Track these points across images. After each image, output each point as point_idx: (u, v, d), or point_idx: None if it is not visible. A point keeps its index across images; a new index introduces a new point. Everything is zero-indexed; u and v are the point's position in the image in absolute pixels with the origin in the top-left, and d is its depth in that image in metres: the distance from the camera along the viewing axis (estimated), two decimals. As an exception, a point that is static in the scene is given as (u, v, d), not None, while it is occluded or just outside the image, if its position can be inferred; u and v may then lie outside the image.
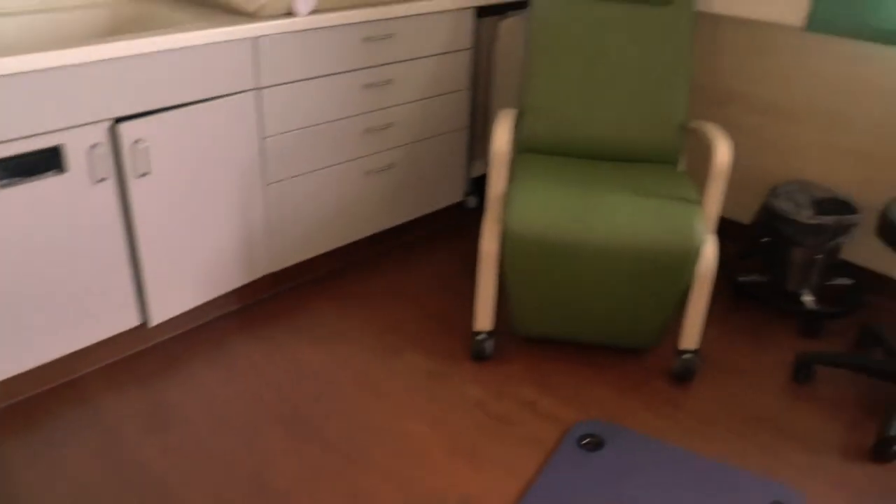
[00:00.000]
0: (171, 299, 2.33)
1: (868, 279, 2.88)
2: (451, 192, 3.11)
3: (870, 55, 2.63)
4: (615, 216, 2.18)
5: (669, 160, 2.56)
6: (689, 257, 2.16)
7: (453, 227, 3.22)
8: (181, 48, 2.09)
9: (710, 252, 2.21)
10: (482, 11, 2.95)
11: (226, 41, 2.19)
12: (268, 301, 2.68)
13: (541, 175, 2.34)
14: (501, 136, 2.24)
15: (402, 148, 2.82)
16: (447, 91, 2.89)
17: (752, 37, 2.89)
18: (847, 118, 2.75)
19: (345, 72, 2.52)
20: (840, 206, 2.69)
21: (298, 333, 2.51)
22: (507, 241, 2.20)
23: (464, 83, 2.94)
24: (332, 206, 2.67)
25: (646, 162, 2.57)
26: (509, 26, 2.98)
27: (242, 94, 2.28)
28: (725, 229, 3.19)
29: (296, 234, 2.61)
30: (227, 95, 2.24)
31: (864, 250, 2.85)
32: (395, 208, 2.91)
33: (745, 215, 3.12)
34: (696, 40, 3.02)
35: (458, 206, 3.24)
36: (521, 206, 2.20)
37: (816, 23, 2.60)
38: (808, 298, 2.72)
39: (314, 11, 2.39)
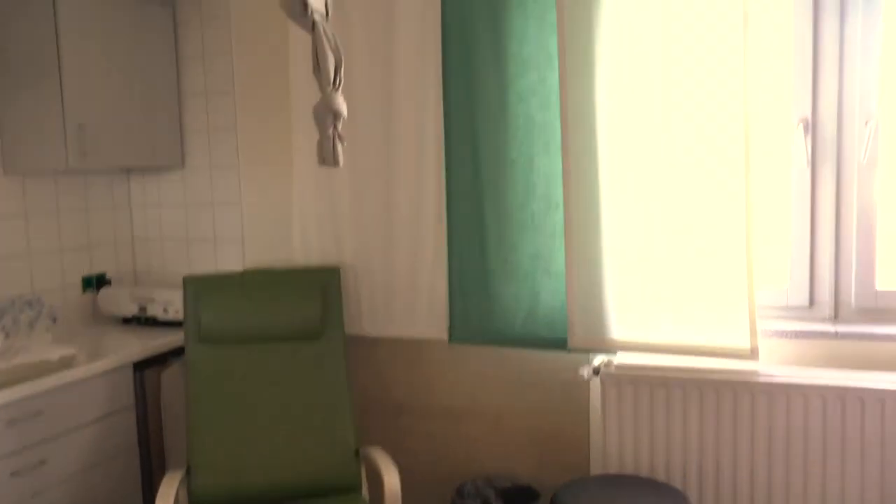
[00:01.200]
0: None
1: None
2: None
3: (515, 356, 2.91)
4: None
5: (350, 488, 2.56)
6: None
7: None
8: None
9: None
10: (141, 364, 2.88)
11: None
12: None
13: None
14: (163, 511, 2.12)
15: (65, 532, 2.56)
16: (110, 457, 2.71)
17: (410, 351, 3.08)
18: (513, 410, 2.95)
19: (-14, 463, 2.30)
20: (524, 492, 2.82)
21: None
22: None
23: (129, 445, 2.79)
24: None
25: (327, 494, 2.54)
26: (172, 375, 2.94)
27: None
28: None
29: None
30: None
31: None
32: None
33: (444, 515, 3.16)
34: (361, 360, 3.15)
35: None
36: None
37: (456, 336, 2.85)
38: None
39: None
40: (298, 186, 3.05)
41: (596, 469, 2.85)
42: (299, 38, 2.81)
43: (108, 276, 3.39)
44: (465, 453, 3.06)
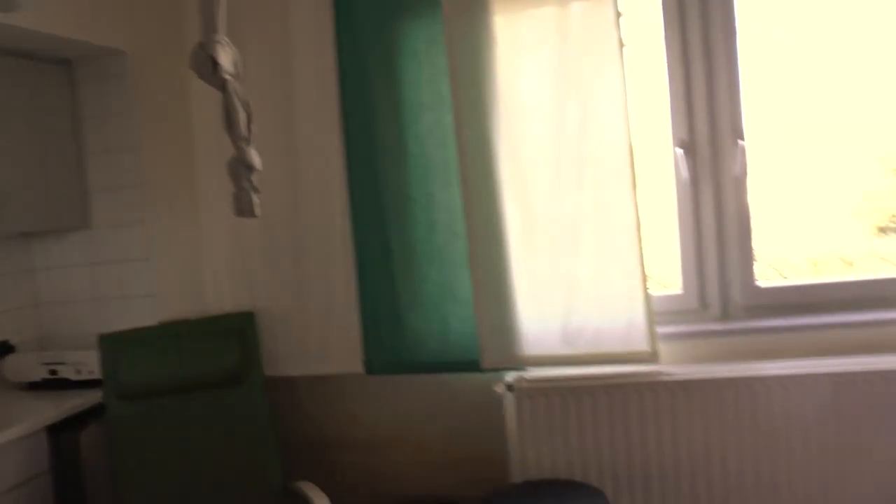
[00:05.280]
0: None
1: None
2: None
3: (432, 383, 3.02)
4: None
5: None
6: None
7: None
8: None
9: None
10: (56, 428, 2.79)
11: None
12: None
13: None
14: None
15: None
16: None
17: (331, 387, 3.14)
18: (434, 434, 3.05)
19: None
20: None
21: None
22: None
23: (48, 511, 2.70)
24: None
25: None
26: (92, 436, 2.88)
27: None
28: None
29: None
30: None
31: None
32: None
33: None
34: (284, 401, 3.17)
35: None
36: None
37: (373, 368, 2.95)
38: None
39: None
40: (207, 237, 3.09)
41: (517, 480, 2.97)
42: (201, 93, 2.85)
43: (12, 342, 3.30)
44: (391, 480, 3.13)
